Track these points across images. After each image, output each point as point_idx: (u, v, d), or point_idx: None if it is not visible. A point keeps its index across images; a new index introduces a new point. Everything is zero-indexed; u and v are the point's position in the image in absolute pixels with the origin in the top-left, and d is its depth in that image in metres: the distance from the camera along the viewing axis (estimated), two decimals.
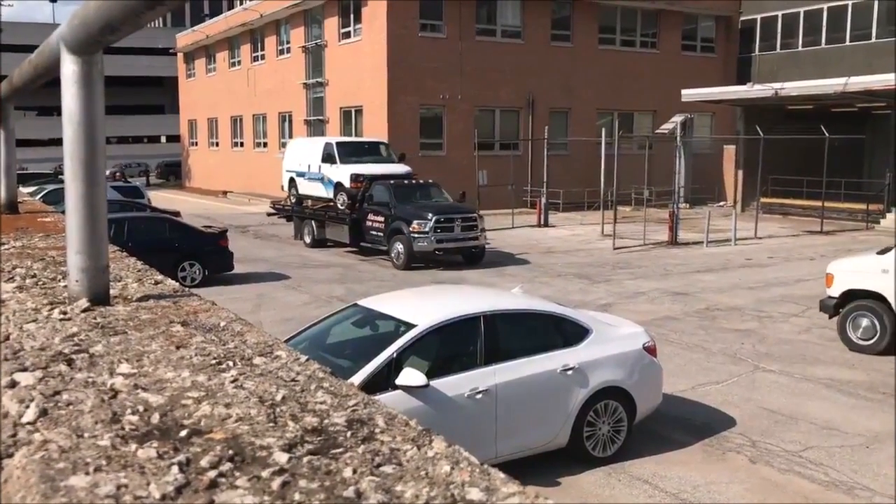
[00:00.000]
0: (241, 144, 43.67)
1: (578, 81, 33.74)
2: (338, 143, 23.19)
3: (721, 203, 33.00)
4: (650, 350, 8.36)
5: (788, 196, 29.56)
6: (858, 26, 33.17)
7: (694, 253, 21.48)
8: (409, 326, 7.26)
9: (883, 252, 11.79)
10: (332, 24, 33.91)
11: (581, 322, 8.11)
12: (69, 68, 1.16)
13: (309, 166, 23.56)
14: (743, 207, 29.31)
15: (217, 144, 47.37)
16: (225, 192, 42.25)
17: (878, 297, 11.43)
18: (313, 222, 22.86)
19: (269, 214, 26.13)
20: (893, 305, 11.25)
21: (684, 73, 34.76)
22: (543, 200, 27.97)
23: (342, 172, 21.76)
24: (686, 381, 10.32)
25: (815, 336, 12.54)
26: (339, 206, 21.60)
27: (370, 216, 20.26)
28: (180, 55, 52.44)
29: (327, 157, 22.71)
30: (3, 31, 46.88)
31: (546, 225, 27.48)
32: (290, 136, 36.23)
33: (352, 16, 32.64)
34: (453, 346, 7.65)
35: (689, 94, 29.83)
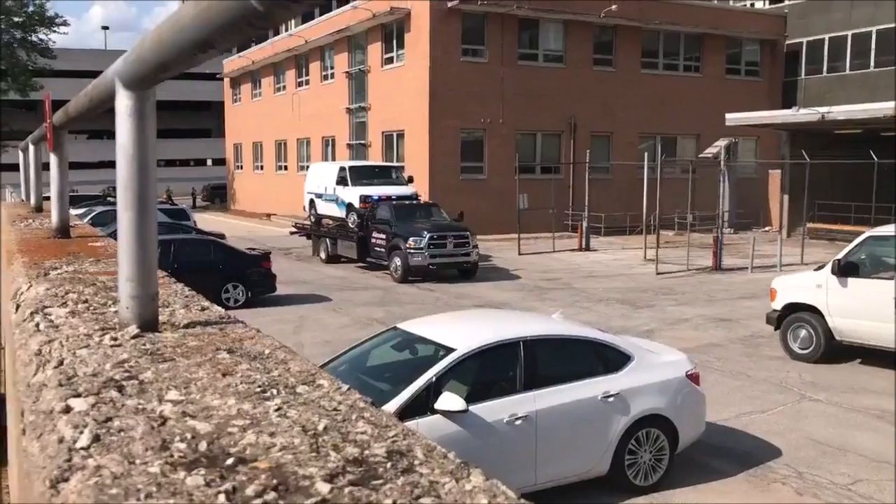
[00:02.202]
0: (286, 168, 44.29)
1: (621, 105, 33.66)
2: (350, 167, 25.44)
3: (766, 228, 32.51)
4: (693, 378, 8.24)
5: (836, 221, 28.97)
6: None
7: (738, 279, 21.15)
8: (449, 350, 7.25)
9: (818, 269, 12.83)
10: (375, 50, 34.36)
11: (622, 348, 8.02)
12: (123, 103, 1.21)
13: (326, 188, 25.59)
14: (789, 233, 28.83)
15: (262, 168, 48.10)
16: (269, 215, 42.79)
17: (814, 310, 12.37)
18: (328, 240, 24.59)
19: (292, 233, 27.92)
20: (826, 317, 12.19)
21: (728, 96, 34.46)
22: (585, 224, 27.85)
23: (353, 194, 23.69)
24: (730, 409, 10.14)
25: (863, 365, 12.24)
26: (350, 224, 23.34)
27: (374, 234, 21.86)
28: (227, 80, 53.49)
29: (341, 180, 24.74)
30: (57, 58, 48.28)
31: (588, 249, 27.32)
32: (334, 160, 36.67)
33: (395, 41, 33.04)
34: (493, 371, 7.62)
35: (733, 118, 29.53)
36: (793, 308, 12.68)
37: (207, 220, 36.97)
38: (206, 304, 1.50)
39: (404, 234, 20.55)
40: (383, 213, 21.76)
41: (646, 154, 26.07)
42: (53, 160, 2.64)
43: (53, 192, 2.69)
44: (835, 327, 12.16)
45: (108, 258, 2.22)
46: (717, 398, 10.12)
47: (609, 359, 7.88)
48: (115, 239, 3.00)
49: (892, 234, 11.84)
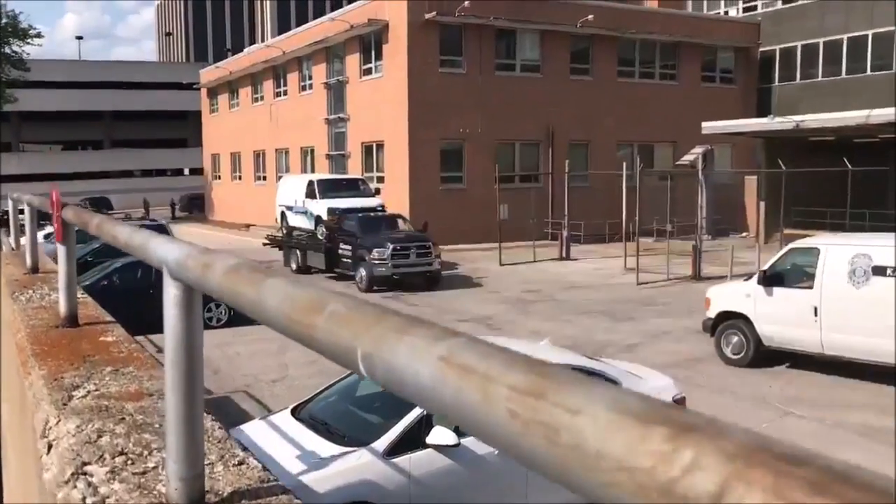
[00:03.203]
0: (264, 178, 44.13)
1: (598, 114, 33.90)
2: (318, 181, 26.80)
3: (743, 234, 32.85)
4: (680, 402, 8.33)
5: (812, 227, 29.28)
6: (879, 56, 33.14)
7: None
8: None
9: (748, 279, 13.79)
10: (353, 61, 34.36)
11: (610, 375, 8.09)
12: (172, 292, 1.24)
13: (296, 201, 26.87)
14: (766, 239, 29.14)
15: (240, 178, 47.91)
16: (248, 226, 42.60)
17: (744, 318, 13.17)
18: (298, 251, 25.05)
19: (265, 244, 28.26)
20: (755, 324, 12.99)
21: (704, 104, 34.82)
22: (565, 233, 28.00)
23: (321, 206, 24.83)
24: None
25: (846, 378, 12.41)
26: (319, 236, 24.01)
27: (341, 245, 22.43)
28: (204, 90, 53.22)
29: (310, 193, 26.01)
30: (31, 70, 47.79)
31: (568, 258, 27.47)
32: (313, 171, 36.62)
33: (373, 53, 33.07)
34: None
35: (709, 126, 29.85)
36: (725, 316, 13.50)
37: (186, 233, 36.68)
38: (240, 453, 1.54)
39: (368, 244, 21.21)
40: (349, 225, 22.52)
41: (624, 163, 26.29)
42: (61, 250, 2.66)
43: (61, 282, 2.71)
44: (763, 334, 12.96)
45: (125, 365, 2.24)
46: None
47: None
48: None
49: (812, 246, 12.94)
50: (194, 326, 1.24)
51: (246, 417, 9.02)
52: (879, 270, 11.63)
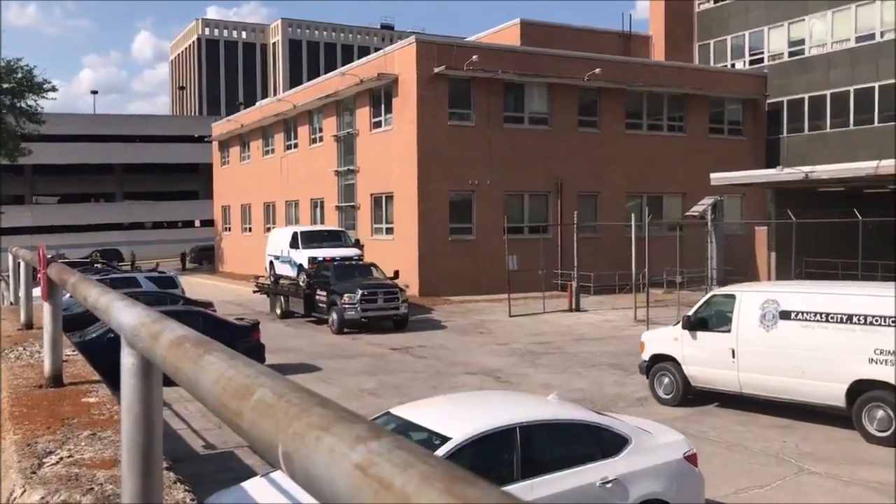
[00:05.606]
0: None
1: (606, 165, 34.00)
2: (301, 232, 28.63)
3: None
4: (691, 459, 8.13)
5: (823, 278, 29.05)
6: (887, 107, 33.23)
7: None
8: (444, 439, 7.12)
9: (678, 324, 14.45)
10: (363, 114, 34.71)
11: (619, 431, 7.92)
12: (128, 360, 1.16)
13: (282, 251, 28.81)
14: None
15: (250, 230, 48.11)
16: (257, 277, 42.59)
17: (672, 360, 13.95)
18: (282, 297, 26.95)
19: (255, 292, 30.28)
20: (682, 366, 13.75)
21: (713, 155, 34.92)
22: (574, 285, 27.85)
23: (303, 255, 26.71)
24: (728, 484, 9.99)
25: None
26: (300, 283, 25.84)
27: (318, 291, 24.22)
28: (215, 143, 53.84)
29: (294, 243, 27.83)
30: (45, 123, 48.41)
31: (578, 309, 27.27)
32: (323, 222, 36.77)
33: (382, 106, 33.41)
34: (488, 458, 7.48)
35: (717, 177, 29.86)
36: (657, 358, 14.24)
37: (196, 284, 36.78)
38: None
39: (340, 290, 22.98)
40: (325, 273, 24.35)
41: (633, 214, 26.25)
42: (47, 308, 2.59)
43: (46, 341, 2.63)
44: (689, 375, 13.75)
45: (104, 428, 2.15)
46: (714, 472, 9.97)
47: (606, 442, 7.77)
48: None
49: (731, 292, 13.72)
50: (153, 400, 1.16)
51: (249, 473, 8.85)
52: (786, 315, 12.45)
